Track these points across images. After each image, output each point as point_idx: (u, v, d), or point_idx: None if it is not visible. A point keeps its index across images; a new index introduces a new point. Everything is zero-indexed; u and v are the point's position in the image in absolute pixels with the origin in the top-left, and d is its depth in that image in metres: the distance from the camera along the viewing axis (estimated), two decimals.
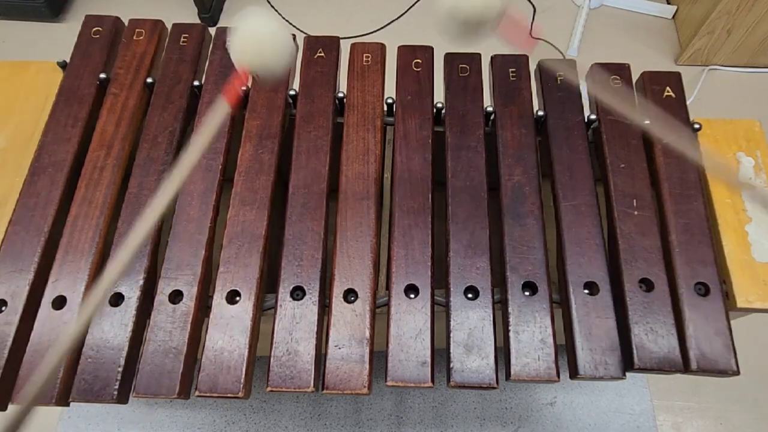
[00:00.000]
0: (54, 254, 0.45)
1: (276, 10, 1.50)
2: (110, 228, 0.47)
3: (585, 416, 0.68)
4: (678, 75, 0.53)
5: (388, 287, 0.43)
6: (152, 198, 0.39)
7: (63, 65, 0.55)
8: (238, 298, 0.43)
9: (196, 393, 0.40)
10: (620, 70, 0.54)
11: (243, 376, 0.40)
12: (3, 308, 0.43)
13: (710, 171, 0.44)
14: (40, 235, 0.45)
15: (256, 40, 0.31)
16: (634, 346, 0.41)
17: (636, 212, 0.46)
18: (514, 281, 0.43)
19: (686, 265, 0.44)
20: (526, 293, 0.43)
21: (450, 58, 0.55)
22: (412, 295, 0.43)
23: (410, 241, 0.45)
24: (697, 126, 0.51)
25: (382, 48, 0.55)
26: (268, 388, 0.40)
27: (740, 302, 0.44)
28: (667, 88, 0.52)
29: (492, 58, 0.55)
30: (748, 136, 0.52)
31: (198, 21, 1.49)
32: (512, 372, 0.40)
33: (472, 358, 0.41)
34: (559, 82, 0.53)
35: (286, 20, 1.46)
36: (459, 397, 0.69)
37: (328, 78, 0.53)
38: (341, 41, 0.56)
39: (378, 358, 0.41)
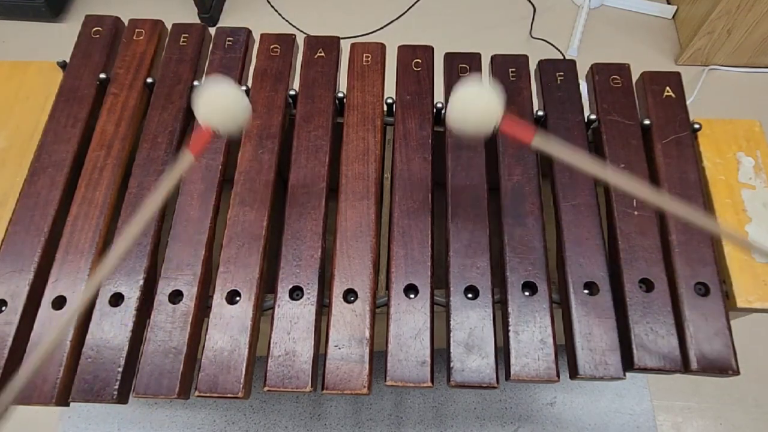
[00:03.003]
0: (54, 254, 0.45)
1: (276, 11, 1.50)
2: (110, 228, 0.47)
3: (585, 416, 0.68)
4: (678, 75, 0.53)
5: (387, 287, 0.43)
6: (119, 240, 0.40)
7: (63, 65, 0.55)
8: (238, 298, 0.43)
9: (196, 393, 0.40)
10: (620, 70, 0.54)
11: (243, 376, 0.40)
12: (3, 308, 0.43)
13: (725, 239, 0.46)
14: (40, 235, 0.45)
15: (220, 105, 0.37)
16: (634, 346, 0.41)
17: (636, 212, 0.46)
18: (514, 281, 0.43)
19: (686, 265, 0.44)
20: (526, 293, 0.43)
21: (450, 58, 0.55)
22: (412, 295, 0.43)
23: (410, 241, 0.45)
24: (697, 126, 0.51)
25: (382, 48, 0.55)
26: (266, 388, 0.40)
27: (740, 302, 0.44)
28: (667, 88, 0.52)
29: (492, 58, 0.55)
30: (748, 136, 0.52)
31: (198, 21, 1.49)
32: (512, 372, 0.40)
33: (473, 357, 0.41)
34: (559, 82, 0.53)
35: (287, 20, 1.45)
36: (459, 397, 0.69)
37: (328, 78, 0.53)
38: (341, 41, 0.56)
39: (378, 358, 0.41)
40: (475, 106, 0.36)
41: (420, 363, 0.40)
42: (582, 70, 0.54)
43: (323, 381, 0.40)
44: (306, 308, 0.42)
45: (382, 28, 1.47)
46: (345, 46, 0.54)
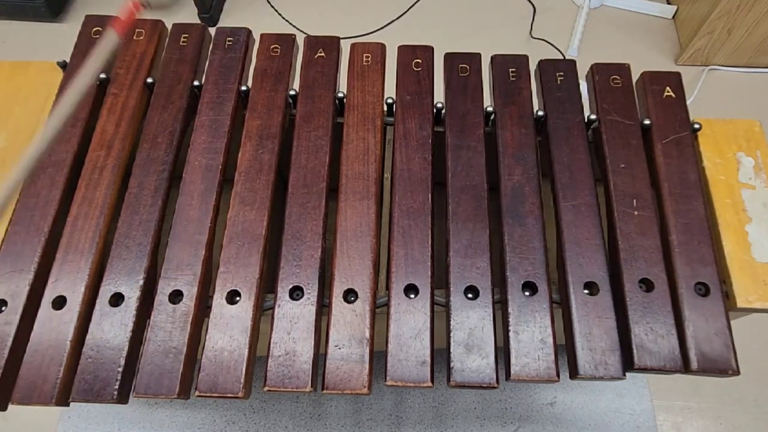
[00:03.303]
0: (54, 254, 0.45)
1: (276, 11, 1.50)
2: (110, 228, 0.47)
3: (585, 416, 0.68)
4: (678, 75, 0.53)
5: (387, 287, 0.43)
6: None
7: (63, 65, 0.55)
8: (238, 298, 0.43)
9: (196, 393, 0.40)
10: (620, 70, 0.54)
11: (243, 376, 0.40)
12: (3, 308, 0.43)
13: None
14: (40, 235, 0.45)
15: None
16: (634, 346, 0.41)
17: (636, 212, 0.46)
18: (514, 281, 0.43)
19: (686, 265, 0.44)
20: (526, 293, 0.43)
21: (450, 58, 0.55)
22: (412, 295, 0.43)
23: (410, 240, 0.45)
24: (697, 126, 0.51)
25: (382, 48, 0.55)
26: (266, 388, 0.40)
27: (740, 302, 0.44)
28: (667, 88, 0.52)
29: (492, 58, 0.55)
30: (748, 136, 0.52)
31: (198, 21, 1.49)
32: (512, 372, 0.40)
33: (473, 357, 0.41)
34: (559, 82, 0.53)
35: (287, 20, 1.46)
36: (459, 397, 0.69)
37: (328, 78, 0.53)
38: (341, 41, 0.56)
39: (378, 358, 0.41)
40: None
41: (420, 363, 0.40)
42: (582, 70, 0.54)
43: (323, 381, 0.40)
44: (306, 308, 0.42)
45: (382, 28, 1.47)
46: (345, 46, 0.54)
